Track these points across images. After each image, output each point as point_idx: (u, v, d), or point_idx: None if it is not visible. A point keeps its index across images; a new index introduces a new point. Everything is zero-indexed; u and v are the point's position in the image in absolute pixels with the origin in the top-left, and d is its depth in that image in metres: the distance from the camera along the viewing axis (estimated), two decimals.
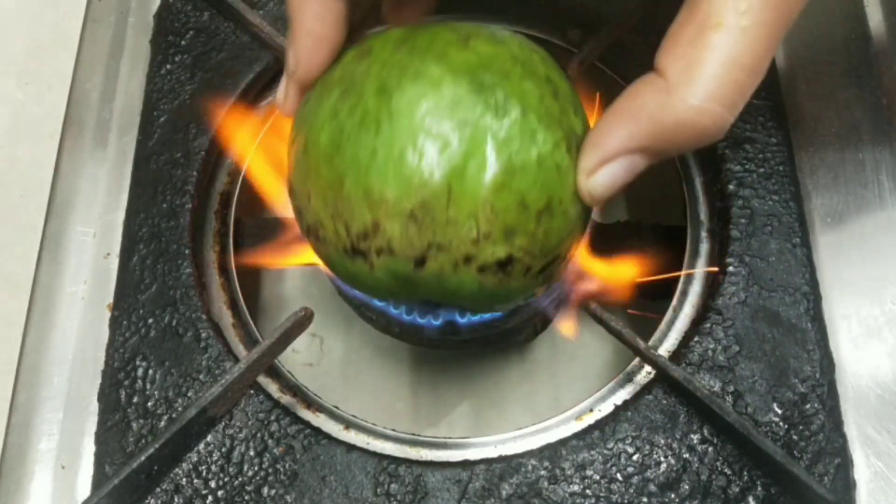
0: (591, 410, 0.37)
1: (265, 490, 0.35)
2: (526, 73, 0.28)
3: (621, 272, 0.42)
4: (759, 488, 0.34)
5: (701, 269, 0.41)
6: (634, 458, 0.35)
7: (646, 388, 0.37)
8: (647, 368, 0.38)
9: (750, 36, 0.25)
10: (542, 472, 0.35)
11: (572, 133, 0.29)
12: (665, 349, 0.38)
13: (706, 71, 0.25)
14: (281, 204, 0.54)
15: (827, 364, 0.37)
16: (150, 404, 0.37)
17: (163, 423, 0.36)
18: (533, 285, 0.30)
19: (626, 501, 0.34)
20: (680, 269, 0.41)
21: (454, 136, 0.26)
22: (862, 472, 0.35)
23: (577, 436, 0.36)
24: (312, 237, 0.29)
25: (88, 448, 0.37)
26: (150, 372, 0.38)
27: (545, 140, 0.27)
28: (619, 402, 0.37)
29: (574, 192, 0.28)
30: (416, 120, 0.26)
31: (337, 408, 0.39)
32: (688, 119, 0.26)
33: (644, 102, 0.26)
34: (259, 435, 0.36)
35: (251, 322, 0.41)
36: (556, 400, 0.48)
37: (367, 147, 0.27)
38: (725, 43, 0.25)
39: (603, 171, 0.28)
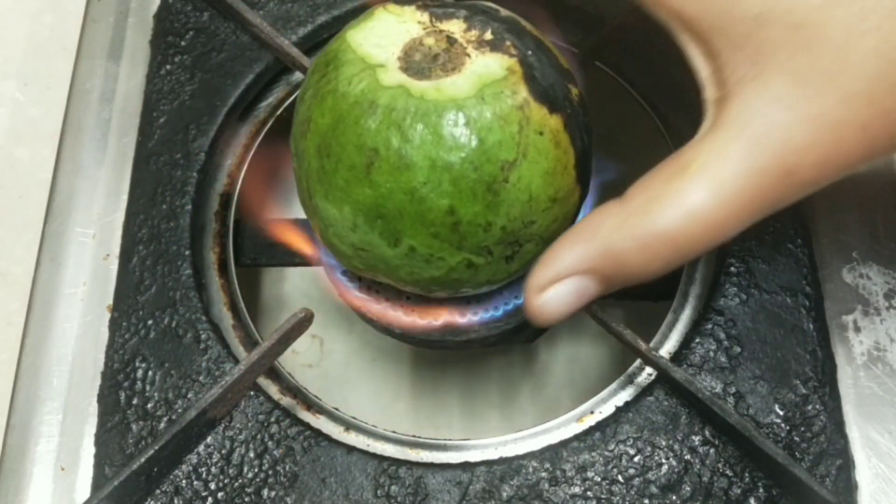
0: (592, 412, 0.37)
1: (265, 492, 0.35)
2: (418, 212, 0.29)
3: None
4: (761, 490, 0.34)
5: (701, 271, 0.41)
6: (636, 459, 0.35)
7: (647, 390, 0.37)
8: (649, 370, 0.38)
9: (719, 198, 0.25)
10: (543, 474, 0.35)
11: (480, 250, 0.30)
12: (666, 350, 0.38)
13: (664, 210, 0.25)
14: (281, 205, 0.54)
15: (829, 365, 0.37)
16: (149, 406, 0.37)
17: (162, 425, 0.36)
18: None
19: (627, 503, 0.34)
20: (680, 270, 0.41)
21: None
22: (864, 473, 0.35)
23: (577, 437, 0.36)
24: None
25: (88, 450, 0.37)
26: (150, 373, 0.37)
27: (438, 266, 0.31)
28: (620, 404, 0.37)
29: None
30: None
31: (337, 409, 0.38)
32: (633, 250, 0.26)
33: (600, 225, 0.27)
34: (259, 437, 0.36)
35: (251, 323, 0.41)
36: (557, 401, 0.48)
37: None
38: (693, 195, 0.25)
39: (553, 291, 0.28)
